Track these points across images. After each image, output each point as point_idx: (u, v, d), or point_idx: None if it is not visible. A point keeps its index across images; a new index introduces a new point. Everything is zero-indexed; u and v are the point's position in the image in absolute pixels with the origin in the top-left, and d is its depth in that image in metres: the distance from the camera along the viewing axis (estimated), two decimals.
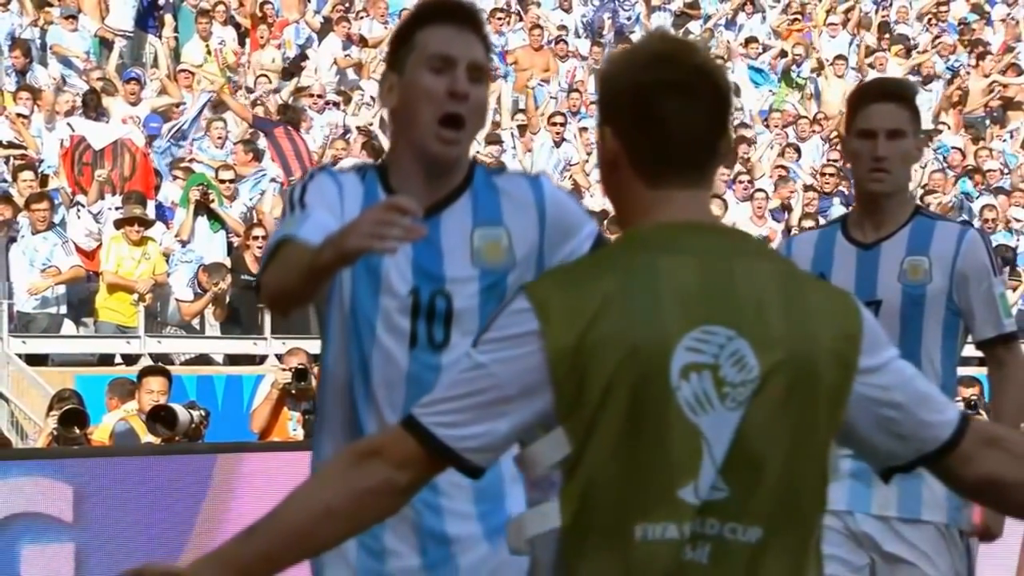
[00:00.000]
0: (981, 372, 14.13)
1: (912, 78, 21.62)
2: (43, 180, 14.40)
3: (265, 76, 17.32)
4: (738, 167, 17.97)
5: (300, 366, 9.72)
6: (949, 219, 5.18)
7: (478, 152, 15.64)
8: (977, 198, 18.67)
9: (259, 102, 16.81)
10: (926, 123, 20.76)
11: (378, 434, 2.58)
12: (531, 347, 2.42)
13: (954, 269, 4.35)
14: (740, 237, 2.57)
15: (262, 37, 17.96)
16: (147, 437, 8.80)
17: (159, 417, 8.66)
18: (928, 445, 2.54)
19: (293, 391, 9.73)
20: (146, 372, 9.79)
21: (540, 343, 2.41)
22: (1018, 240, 17.91)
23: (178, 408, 8.74)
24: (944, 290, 4.35)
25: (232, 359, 13.99)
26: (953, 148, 20.22)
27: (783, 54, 21.41)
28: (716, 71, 2.53)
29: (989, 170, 19.55)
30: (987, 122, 21.68)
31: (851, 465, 4.23)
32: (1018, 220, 18.35)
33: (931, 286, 4.34)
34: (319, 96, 17.37)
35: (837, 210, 16.82)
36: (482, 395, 2.43)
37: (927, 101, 21.27)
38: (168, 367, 10.84)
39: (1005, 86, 21.68)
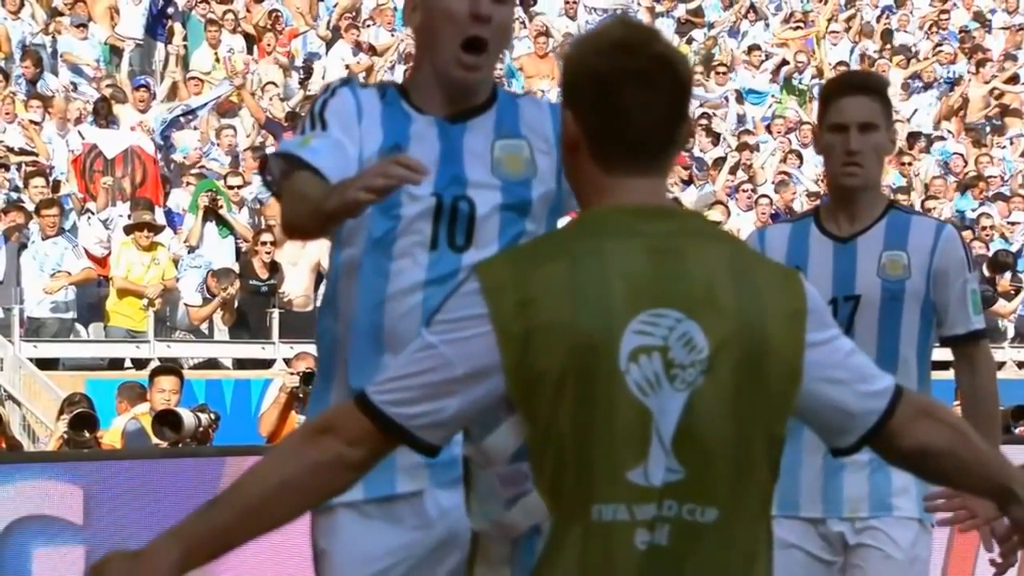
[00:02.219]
0: None
1: (912, 84, 21.65)
2: (55, 186, 14.42)
3: (273, 83, 17.32)
4: (741, 175, 17.96)
5: (308, 370, 9.71)
6: (924, 214, 5.14)
7: None
8: (975, 209, 18.62)
9: (266, 111, 16.83)
10: (927, 129, 20.77)
11: (331, 411, 2.59)
12: (480, 330, 2.42)
13: (932, 264, 4.28)
14: (690, 219, 2.57)
15: (269, 45, 17.97)
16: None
17: (165, 421, 8.67)
18: (871, 417, 2.56)
19: (301, 395, 9.72)
20: (157, 371, 9.82)
21: (489, 326, 2.42)
22: (1012, 245, 17.88)
23: (184, 412, 8.75)
24: (922, 286, 4.28)
25: (240, 363, 13.99)
26: (955, 154, 20.20)
27: (784, 62, 21.41)
28: (676, 60, 2.52)
29: (991, 176, 19.53)
30: (987, 129, 21.66)
31: (823, 463, 4.22)
32: (1015, 224, 18.33)
33: (910, 282, 4.27)
34: None
35: None
36: (432, 374, 2.44)
37: (928, 107, 21.28)
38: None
39: (1003, 94, 21.65)
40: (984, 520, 3.60)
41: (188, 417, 8.62)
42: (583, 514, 2.41)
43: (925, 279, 4.29)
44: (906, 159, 19.54)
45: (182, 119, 16.05)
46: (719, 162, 18.18)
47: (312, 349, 10.74)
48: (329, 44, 18.82)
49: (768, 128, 19.85)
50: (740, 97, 20.12)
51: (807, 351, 2.50)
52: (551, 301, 2.41)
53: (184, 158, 15.63)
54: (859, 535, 4.27)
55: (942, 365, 5.47)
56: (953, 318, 4.32)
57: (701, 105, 19.46)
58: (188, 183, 15.04)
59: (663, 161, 2.55)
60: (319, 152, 3.24)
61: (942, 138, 20.85)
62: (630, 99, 2.49)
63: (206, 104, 16.19)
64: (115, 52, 17.39)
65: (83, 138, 14.88)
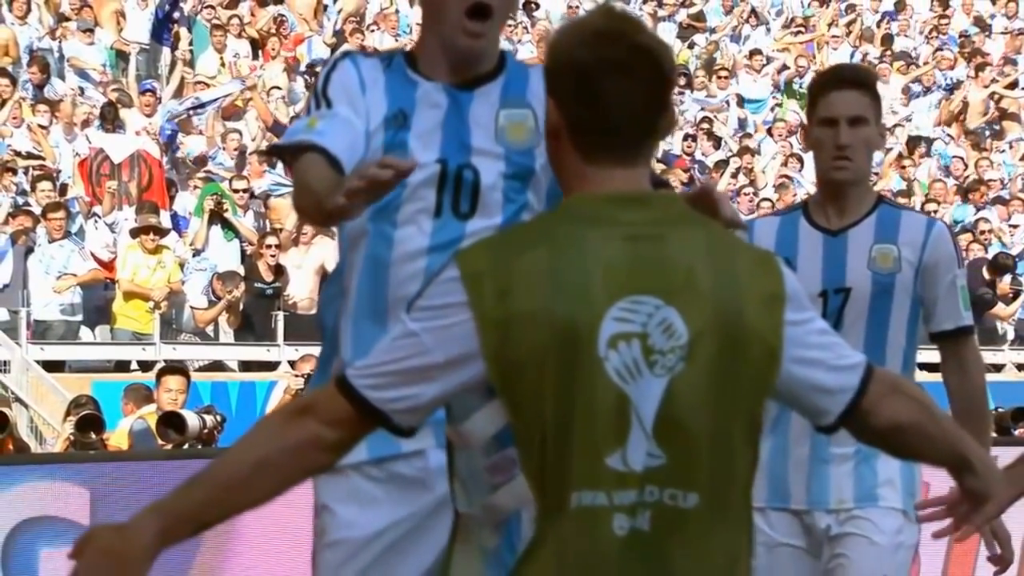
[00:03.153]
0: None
1: (913, 89, 21.65)
2: (62, 190, 14.43)
3: (277, 87, 17.34)
4: (742, 178, 17.95)
5: (312, 372, 9.71)
6: (913, 210, 5.11)
7: None
8: (975, 213, 18.60)
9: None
10: (927, 133, 20.76)
11: (312, 392, 2.59)
12: (460, 318, 2.43)
13: (922, 259, 4.25)
14: (668, 205, 2.56)
15: (273, 49, 17.98)
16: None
17: (170, 423, 8.69)
18: (846, 394, 2.57)
19: None
20: (164, 371, 9.83)
21: (468, 314, 2.43)
22: (1012, 248, 17.87)
23: (187, 414, 8.75)
24: (911, 279, 4.25)
25: (246, 365, 13.99)
26: (955, 157, 20.19)
27: (785, 67, 21.41)
28: (657, 50, 2.51)
29: (990, 180, 19.52)
30: (987, 133, 21.65)
31: (809, 456, 4.21)
32: (1015, 227, 18.32)
33: (900, 275, 4.24)
34: None
35: None
36: (412, 361, 2.45)
37: (928, 112, 21.27)
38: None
39: (1001, 98, 21.64)
40: (978, 523, 3.59)
41: (192, 419, 8.62)
42: (564, 500, 2.42)
43: (914, 273, 4.26)
44: (906, 163, 19.55)
45: (191, 112, 16.06)
46: (720, 165, 18.18)
47: (316, 351, 10.73)
48: (334, 49, 18.80)
49: (769, 131, 19.85)
50: (741, 101, 20.12)
51: (785, 333, 2.51)
52: (530, 289, 2.41)
53: (192, 160, 15.64)
54: (843, 525, 4.24)
55: (933, 367, 5.46)
56: (942, 313, 4.29)
57: (702, 109, 19.46)
58: (196, 187, 15.04)
59: (643, 150, 2.55)
60: (325, 133, 3.22)
61: (942, 142, 20.84)
62: (610, 89, 2.49)
63: (216, 100, 16.20)
64: (121, 57, 17.39)
65: (90, 142, 14.89)
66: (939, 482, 3.57)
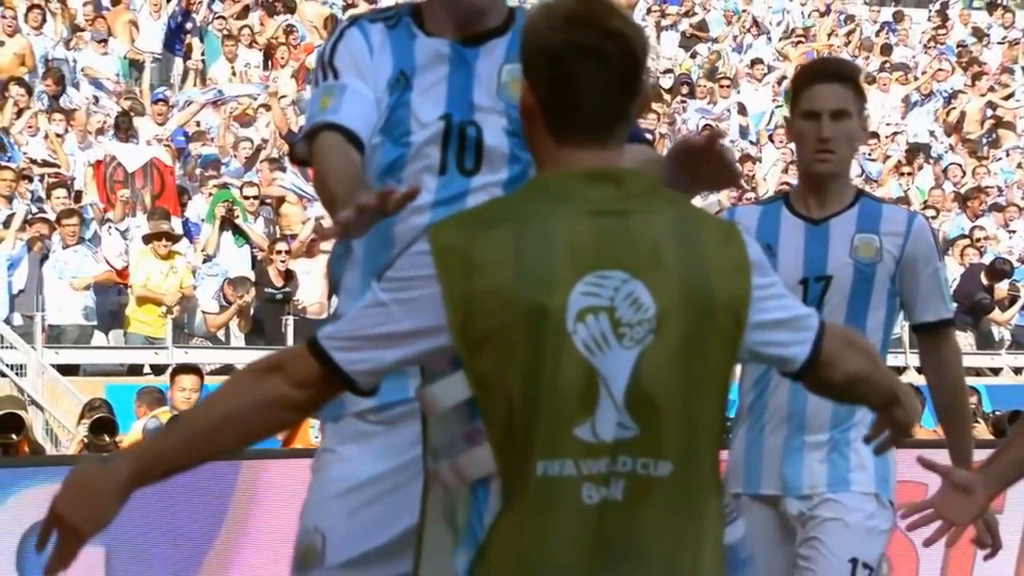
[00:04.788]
0: (980, 382, 14.15)
1: (911, 98, 21.62)
2: (76, 197, 14.45)
3: (287, 96, 17.35)
4: (743, 184, 17.94)
5: None
6: (894, 204, 5.08)
7: None
8: (975, 221, 18.56)
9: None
10: (924, 139, 20.73)
11: (283, 351, 2.63)
12: (428, 291, 2.45)
13: (904, 250, 4.23)
14: (636, 181, 2.56)
15: (283, 58, 17.98)
16: None
17: None
18: (805, 346, 2.61)
19: None
20: (178, 371, 9.87)
21: (436, 288, 2.45)
22: (1011, 254, 17.84)
23: None
24: (891, 270, 4.23)
25: None
26: (953, 164, 20.15)
27: (785, 77, 21.39)
28: (629, 35, 2.52)
29: (988, 187, 19.49)
30: (983, 141, 21.63)
31: (783, 444, 4.19)
32: (1012, 233, 18.29)
33: (881, 265, 4.22)
34: None
35: None
36: (379, 328, 2.49)
37: (926, 121, 21.25)
38: None
39: (996, 107, 21.61)
40: (963, 523, 3.57)
41: None
42: (529, 470, 2.43)
43: (896, 265, 4.23)
44: (905, 170, 19.53)
45: (211, 103, 16.08)
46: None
47: None
48: None
49: (771, 138, 19.84)
50: (742, 108, 20.11)
51: (752, 301, 2.53)
52: (498, 265, 2.43)
53: (204, 167, 15.65)
54: (816, 509, 4.22)
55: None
56: (923, 305, 4.27)
57: (703, 117, 19.45)
58: (210, 193, 15.06)
59: (615, 134, 2.55)
60: (338, 110, 3.20)
61: (940, 151, 20.81)
62: (580, 74, 2.49)
63: (237, 96, 16.23)
64: (135, 66, 17.41)
65: (104, 150, 14.91)
66: (936, 482, 3.55)
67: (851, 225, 4.25)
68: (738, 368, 4.21)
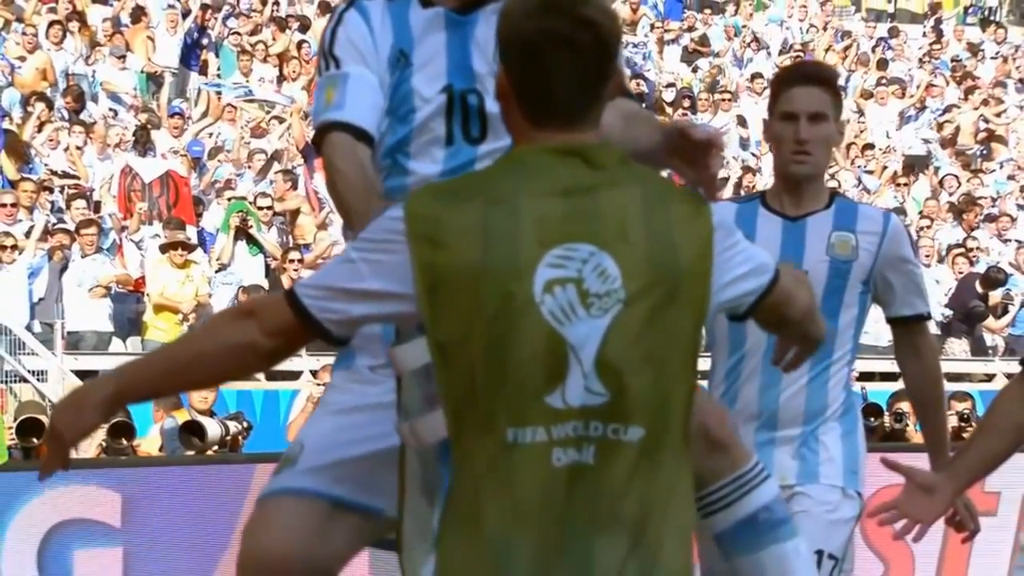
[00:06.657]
0: (975, 388, 14.13)
1: (906, 112, 21.62)
2: (95, 208, 14.50)
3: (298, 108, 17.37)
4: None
5: None
6: (869, 205, 5.05)
7: None
8: (970, 232, 18.54)
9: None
10: (920, 152, 20.73)
11: (260, 296, 2.66)
12: (397, 256, 2.47)
13: (880, 249, 4.21)
14: (607, 155, 2.56)
15: (294, 71, 18.01)
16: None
17: (191, 430, 8.76)
18: (762, 286, 2.68)
19: None
20: None
21: (406, 254, 2.46)
22: (1000, 261, 17.81)
23: (208, 422, 8.83)
24: (867, 268, 4.21)
25: (269, 375, 13.97)
26: (949, 175, 20.13)
27: None
28: (599, 21, 2.51)
29: (981, 197, 19.48)
30: (978, 154, 21.62)
31: (754, 438, 4.17)
32: (1007, 242, 18.27)
33: (857, 263, 4.20)
34: None
35: None
36: (348, 284, 2.52)
37: (921, 134, 21.24)
38: None
39: (988, 120, 21.60)
40: (928, 521, 3.58)
41: (212, 427, 8.69)
42: (495, 437, 2.43)
43: (871, 262, 4.21)
44: (901, 181, 19.52)
45: (240, 99, 16.17)
46: (722, 183, 18.16)
47: None
48: None
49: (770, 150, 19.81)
50: (743, 121, 20.11)
51: (716, 266, 2.56)
52: (466, 237, 2.44)
53: (219, 182, 15.69)
54: (788, 503, 4.23)
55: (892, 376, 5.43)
56: (901, 299, 4.26)
57: None
58: (227, 202, 15.08)
59: (588, 116, 2.56)
60: (343, 104, 3.17)
61: (936, 163, 20.80)
62: (552, 61, 2.50)
63: (264, 100, 16.31)
64: (152, 80, 17.45)
65: (123, 163, 14.95)
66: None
67: (828, 223, 4.23)
68: (708, 362, 4.24)
